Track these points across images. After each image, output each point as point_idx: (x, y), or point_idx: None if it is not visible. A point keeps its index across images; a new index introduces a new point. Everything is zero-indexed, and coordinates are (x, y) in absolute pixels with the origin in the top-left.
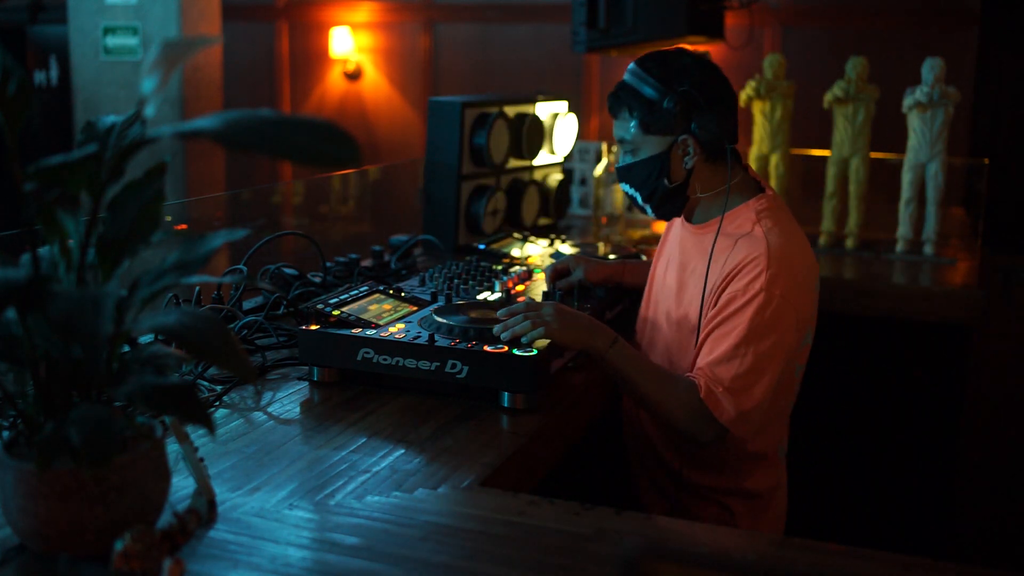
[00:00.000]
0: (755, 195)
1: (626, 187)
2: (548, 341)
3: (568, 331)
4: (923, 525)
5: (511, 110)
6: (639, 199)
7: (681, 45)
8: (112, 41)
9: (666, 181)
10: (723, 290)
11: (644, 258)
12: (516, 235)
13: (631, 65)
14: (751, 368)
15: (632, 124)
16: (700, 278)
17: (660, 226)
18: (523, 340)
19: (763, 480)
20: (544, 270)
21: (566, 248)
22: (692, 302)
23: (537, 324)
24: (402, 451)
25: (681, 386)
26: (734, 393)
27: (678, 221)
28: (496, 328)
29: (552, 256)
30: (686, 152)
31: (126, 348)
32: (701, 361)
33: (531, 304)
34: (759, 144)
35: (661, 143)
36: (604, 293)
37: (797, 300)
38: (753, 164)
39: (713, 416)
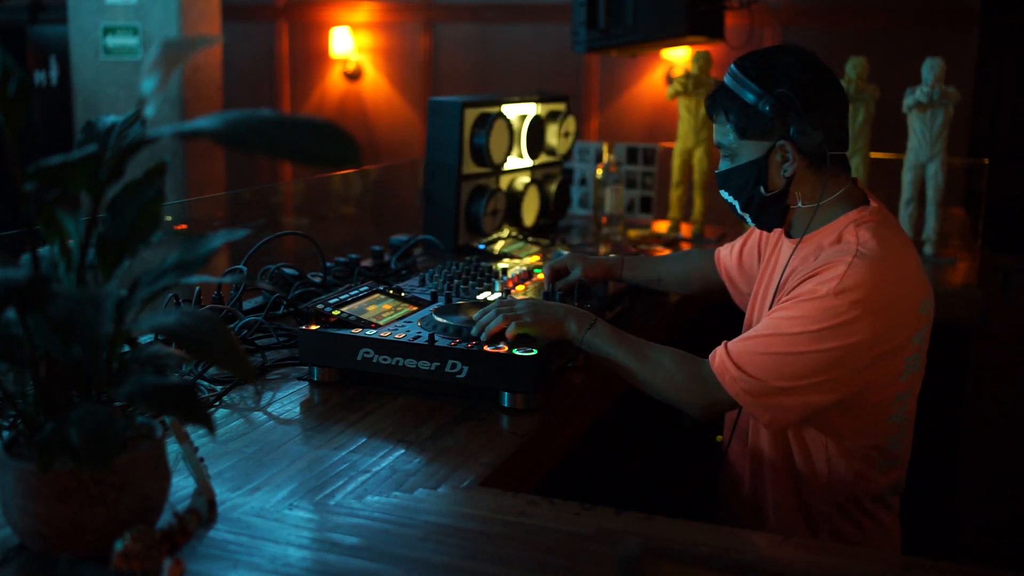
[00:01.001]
0: (858, 207)
1: (725, 194)
2: (547, 341)
3: (541, 322)
4: (923, 525)
5: (511, 110)
6: (737, 208)
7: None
8: (112, 41)
9: (763, 189)
10: (797, 285)
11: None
12: (516, 235)
13: (731, 65)
14: (787, 373)
15: (729, 128)
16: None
17: (660, 226)
18: (505, 335)
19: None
20: (542, 270)
21: (563, 251)
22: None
23: (509, 318)
24: (402, 451)
25: (667, 356)
26: (756, 384)
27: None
28: (474, 329)
29: (550, 256)
30: (785, 158)
31: (126, 348)
32: (733, 340)
33: (504, 301)
34: None
35: (758, 148)
36: (604, 292)
37: (874, 319)
38: None
39: (710, 386)
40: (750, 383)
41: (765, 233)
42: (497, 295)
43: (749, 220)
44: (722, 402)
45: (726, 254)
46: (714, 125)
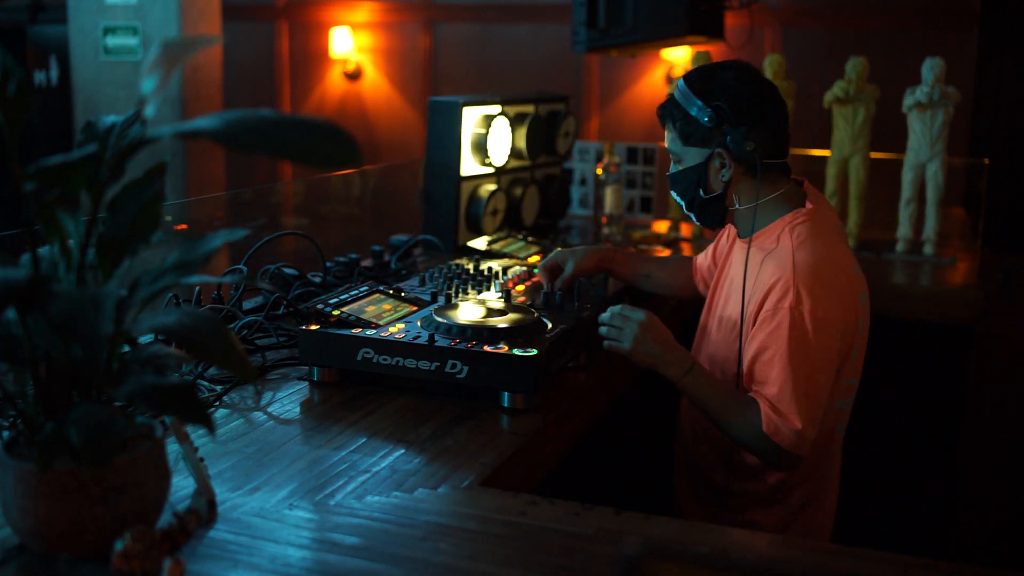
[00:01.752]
0: (794, 210)
1: (674, 194)
2: (548, 342)
3: (638, 353)
4: (923, 525)
5: (511, 110)
6: (684, 207)
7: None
8: (112, 41)
9: (702, 192)
10: (759, 308)
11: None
12: (516, 235)
13: (679, 79)
14: (800, 390)
15: (675, 135)
16: (738, 289)
17: (660, 226)
18: (603, 345)
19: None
20: (538, 271)
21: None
22: (734, 310)
23: (615, 337)
24: (402, 451)
25: (750, 414)
26: (790, 418)
27: (734, 231)
28: (601, 316)
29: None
30: (723, 164)
31: (126, 348)
32: (756, 387)
33: (623, 312)
34: None
35: (699, 155)
36: (604, 293)
37: (830, 312)
38: None
39: (780, 447)
40: (807, 438)
41: (726, 237)
42: (497, 295)
43: (694, 219)
44: (793, 458)
45: (701, 259)
46: (664, 132)
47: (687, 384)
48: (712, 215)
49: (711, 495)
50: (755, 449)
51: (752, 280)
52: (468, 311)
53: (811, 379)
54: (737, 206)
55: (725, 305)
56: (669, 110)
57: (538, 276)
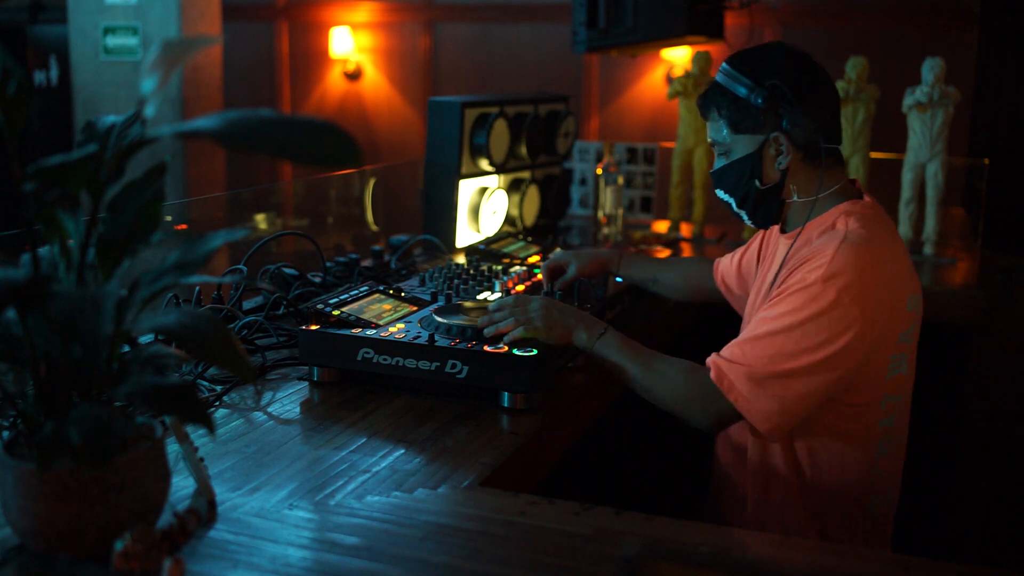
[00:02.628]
0: (851, 200)
1: (721, 193)
2: (549, 341)
3: (552, 328)
4: (923, 524)
5: (511, 110)
6: (734, 205)
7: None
8: (112, 41)
9: (758, 183)
10: (788, 276)
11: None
12: (516, 235)
13: (723, 63)
14: (783, 355)
15: (722, 123)
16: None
17: (660, 226)
18: (505, 339)
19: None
20: (540, 270)
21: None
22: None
23: (520, 322)
24: (402, 451)
25: (673, 368)
26: (752, 370)
27: (774, 232)
28: (481, 319)
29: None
30: (779, 151)
31: (126, 348)
32: (733, 342)
33: (520, 299)
34: None
35: (752, 142)
36: (604, 293)
37: (863, 305)
38: None
39: (712, 395)
40: (748, 373)
41: (767, 239)
42: (497, 295)
43: (745, 218)
44: (726, 412)
45: (725, 263)
46: (708, 123)
47: (601, 348)
48: (767, 210)
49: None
50: (677, 400)
51: (792, 266)
52: (468, 311)
53: (807, 354)
54: (795, 198)
55: (756, 296)
56: (713, 98)
57: (538, 276)
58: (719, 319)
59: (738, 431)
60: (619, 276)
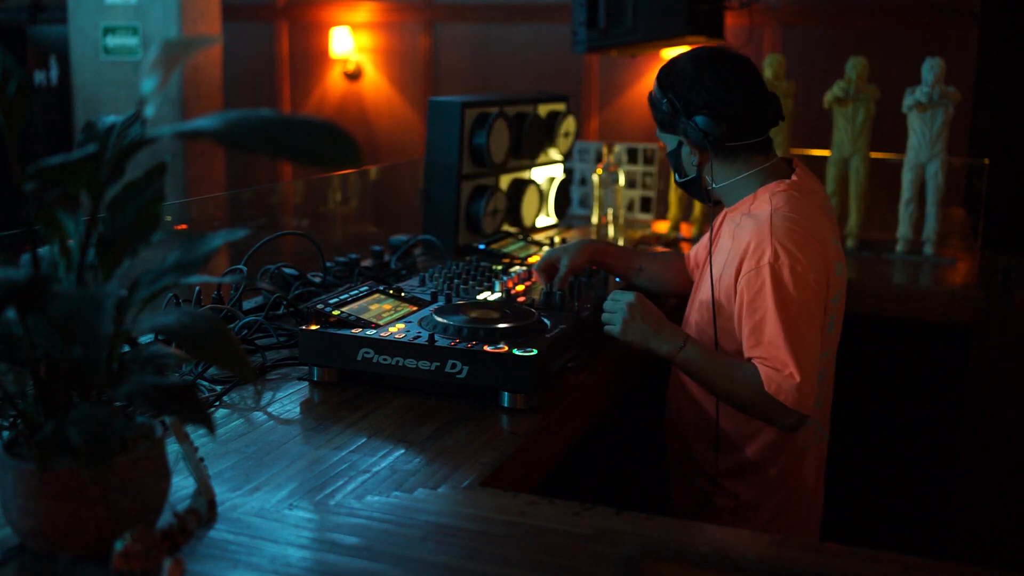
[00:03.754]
0: (778, 180)
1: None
2: (547, 341)
3: (630, 334)
4: (923, 525)
5: (511, 110)
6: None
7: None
8: (112, 41)
9: (678, 176)
10: (738, 270)
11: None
12: (516, 235)
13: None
14: (792, 344)
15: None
16: (723, 255)
17: (660, 226)
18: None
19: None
20: (535, 271)
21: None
22: (716, 273)
23: (608, 321)
24: (402, 451)
25: (749, 377)
26: (789, 373)
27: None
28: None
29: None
30: (690, 150)
31: (126, 348)
32: (752, 350)
33: (613, 296)
34: None
35: (672, 140)
36: (604, 292)
37: (807, 269)
38: None
39: (784, 405)
40: (793, 384)
41: (720, 219)
42: (497, 295)
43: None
44: (799, 416)
45: (695, 251)
46: None
47: (682, 360)
48: (695, 194)
49: (697, 472)
50: (760, 412)
51: (730, 241)
52: (468, 311)
53: (800, 332)
54: (712, 186)
55: (706, 274)
56: (650, 99)
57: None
58: None
59: (674, 423)
60: (606, 265)
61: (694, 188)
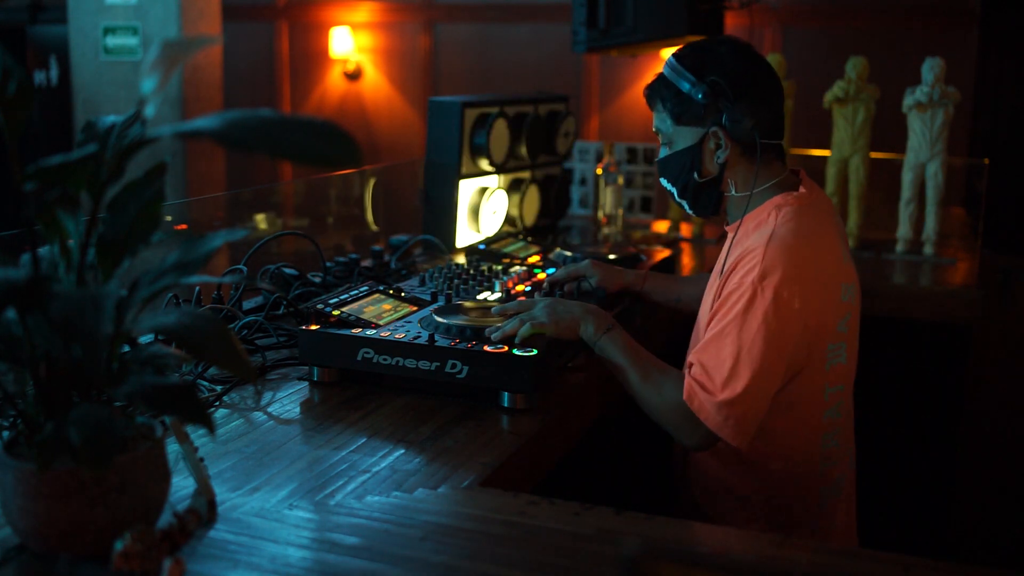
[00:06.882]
0: (785, 192)
1: (664, 182)
2: (547, 341)
3: (558, 322)
4: (923, 525)
5: (511, 110)
6: (675, 194)
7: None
8: (112, 41)
9: (696, 175)
10: (725, 282)
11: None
12: (516, 235)
13: (670, 56)
14: (739, 365)
15: (665, 115)
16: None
17: (660, 226)
18: (515, 340)
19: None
20: (558, 273)
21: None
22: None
23: (525, 320)
24: (402, 451)
25: (669, 384)
26: (715, 389)
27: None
28: (488, 329)
29: (557, 259)
30: (718, 145)
31: (126, 348)
32: (697, 355)
33: (524, 303)
34: None
35: (693, 135)
36: (604, 294)
37: (795, 295)
38: None
39: (695, 420)
40: (713, 401)
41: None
42: (497, 295)
43: (687, 207)
44: (708, 436)
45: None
46: (653, 114)
47: (604, 344)
48: (706, 201)
49: (704, 477)
50: (668, 420)
51: (733, 257)
52: (468, 311)
53: (753, 355)
54: (732, 191)
55: (708, 292)
56: (659, 89)
57: (539, 276)
58: None
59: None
60: (642, 296)
61: (707, 194)
